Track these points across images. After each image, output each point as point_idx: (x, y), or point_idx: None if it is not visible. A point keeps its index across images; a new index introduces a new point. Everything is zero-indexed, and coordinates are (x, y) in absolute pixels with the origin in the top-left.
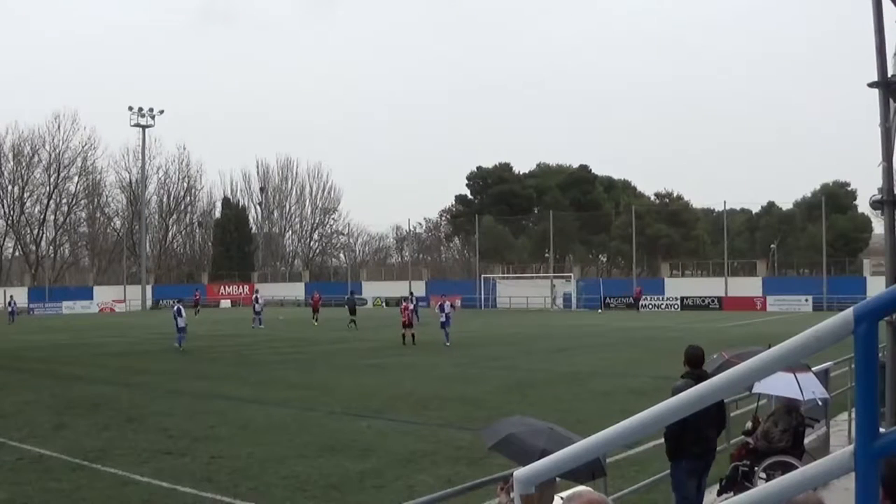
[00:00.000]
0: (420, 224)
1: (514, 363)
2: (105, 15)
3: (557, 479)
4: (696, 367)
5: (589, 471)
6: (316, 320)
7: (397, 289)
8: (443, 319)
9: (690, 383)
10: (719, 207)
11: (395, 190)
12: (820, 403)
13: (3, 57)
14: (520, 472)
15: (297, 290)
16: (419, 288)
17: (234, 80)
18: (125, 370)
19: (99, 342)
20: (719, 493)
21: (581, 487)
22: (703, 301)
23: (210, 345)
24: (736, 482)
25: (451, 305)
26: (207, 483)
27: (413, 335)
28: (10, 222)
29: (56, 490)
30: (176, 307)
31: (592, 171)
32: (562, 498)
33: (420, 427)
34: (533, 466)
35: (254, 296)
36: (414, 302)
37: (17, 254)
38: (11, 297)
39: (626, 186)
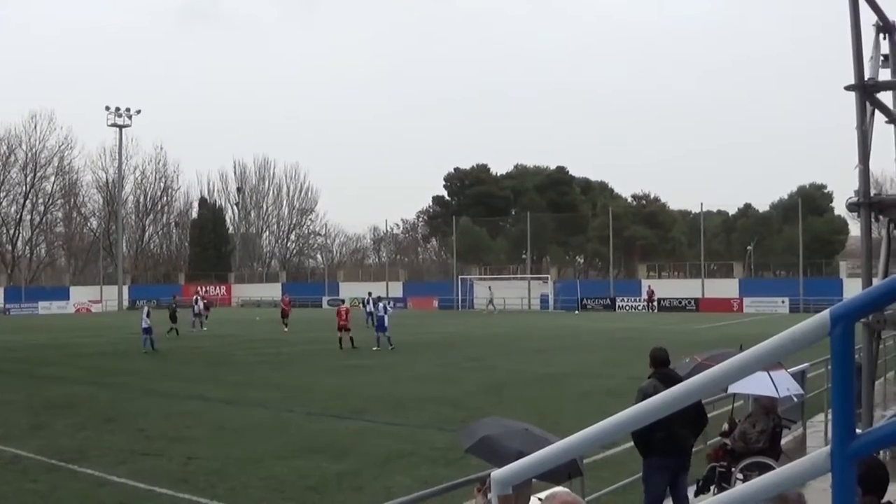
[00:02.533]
0: (397, 225)
1: (492, 364)
2: (81, 14)
3: (534, 479)
4: (661, 367)
5: (565, 472)
6: (286, 325)
7: (375, 290)
8: (379, 319)
9: (657, 383)
10: (696, 209)
11: (372, 191)
12: (795, 400)
13: None
14: (497, 474)
15: (274, 291)
16: (396, 289)
17: (212, 80)
18: (102, 370)
19: (75, 342)
20: (696, 494)
21: (556, 488)
22: (680, 302)
23: (186, 345)
24: (713, 483)
25: (387, 306)
26: (184, 484)
27: (351, 339)
28: None
29: (32, 491)
30: (146, 309)
31: (570, 172)
32: (539, 499)
33: (398, 428)
34: (510, 467)
35: (193, 297)
36: (386, 306)
37: None
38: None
39: (603, 188)
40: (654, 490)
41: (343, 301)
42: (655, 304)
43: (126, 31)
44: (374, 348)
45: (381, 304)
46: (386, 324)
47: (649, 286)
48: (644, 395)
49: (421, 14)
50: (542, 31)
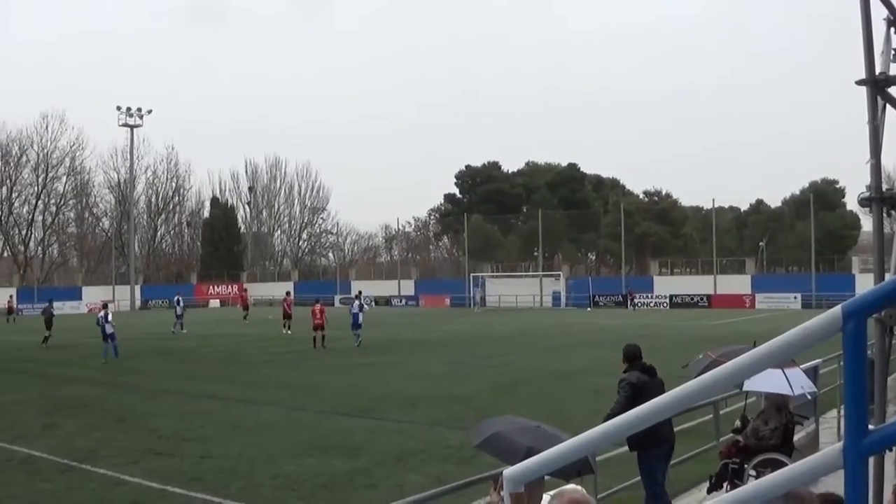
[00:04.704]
0: (409, 223)
1: (504, 361)
2: (92, 15)
3: (547, 477)
4: (635, 362)
5: (577, 469)
6: (288, 328)
7: (387, 288)
8: (353, 316)
9: (640, 374)
10: (708, 205)
11: (383, 189)
12: (809, 398)
13: None
14: (509, 471)
15: (286, 290)
16: (408, 287)
17: (223, 79)
18: (114, 370)
19: (88, 343)
20: (709, 491)
21: (565, 486)
22: (692, 299)
23: (198, 345)
24: (726, 480)
25: (363, 304)
26: (197, 483)
27: (323, 337)
28: None
29: (46, 491)
30: (102, 312)
31: (581, 169)
32: (550, 496)
33: (410, 426)
34: (522, 465)
35: (175, 297)
36: (363, 304)
37: (5, 254)
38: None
39: (614, 185)
40: (659, 480)
41: (318, 300)
42: (636, 303)
43: (136, 31)
44: (355, 345)
45: (356, 302)
46: (359, 321)
47: (629, 288)
48: (631, 385)
49: (432, 12)
50: (554, 27)
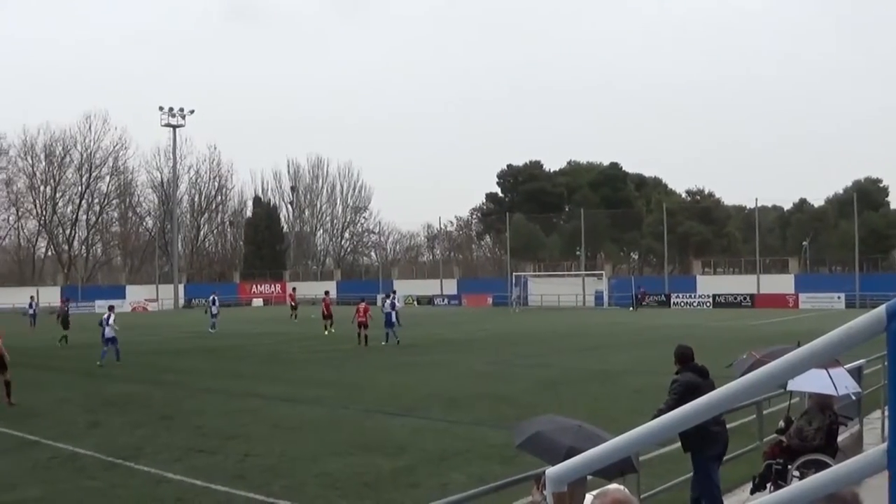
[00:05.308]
0: (451, 222)
1: (547, 361)
2: (135, 16)
3: (589, 476)
4: (687, 363)
5: (618, 468)
6: (327, 328)
7: (429, 287)
8: (386, 315)
9: (692, 376)
10: (751, 204)
11: (425, 188)
12: (854, 398)
13: (35, 58)
14: (551, 471)
15: (328, 289)
16: (450, 286)
17: (265, 80)
18: (158, 368)
19: (131, 341)
20: (752, 492)
21: (608, 486)
22: (735, 298)
23: (242, 343)
24: (769, 480)
25: (394, 302)
26: (240, 481)
27: (366, 336)
28: (42, 222)
29: (90, 488)
30: (106, 315)
31: (623, 168)
32: (593, 496)
33: (452, 425)
34: (564, 465)
35: (210, 297)
36: (394, 302)
37: (49, 253)
38: (31, 297)
39: (657, 184)
40: (716, 481)
41: (363, 299)
42: (642, 302)
43: (179, 32)
44: (382, 343)
45: (388, 301)
46: (393, 319)
47: (641, 287)
48: (682, 385)
49: (474, 10)
50: (596, 25)
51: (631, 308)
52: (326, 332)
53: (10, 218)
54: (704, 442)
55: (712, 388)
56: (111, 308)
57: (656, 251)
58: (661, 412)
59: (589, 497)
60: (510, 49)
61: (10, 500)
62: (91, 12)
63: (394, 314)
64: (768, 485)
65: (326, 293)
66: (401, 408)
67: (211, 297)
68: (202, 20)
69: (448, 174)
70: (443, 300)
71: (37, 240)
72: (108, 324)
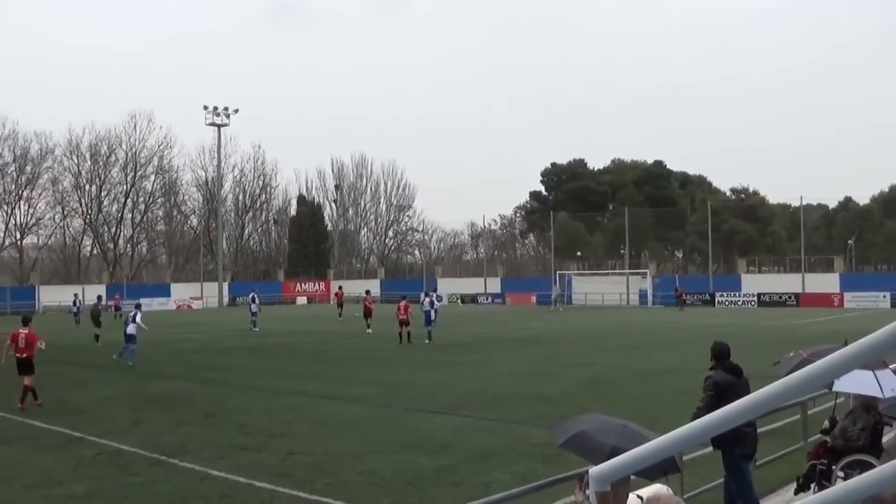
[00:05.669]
0: (495, 221)
1: (590, 360)
2: (179, 16)
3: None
4: (723, 360)
5: (661, 468)
6: (369, 326)
7: (473, 286)
8: (425, 313)
9: (724, 374)
10: (796, 203)
11: (469, 187)
12: None
13: (80, 59)
14: (595, 470)
15: (372, 287)
16: (494, 285)
17: (308, 79)
18: (202, 366)
19: (176, 339)
20: (797, 492)
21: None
22: (780, 297)
23: (286, 341)
24: (813, 481)
25: (434, 300)
26: (284, 478)
27: (409, 333)
28: (88, 220)
29: (134, 484)
30: (133, 312)
31: (667, 166)
32: (639, 496)
33: (495, 424)
34: (608, 464)
35: (250, 295)
36: (434, 300)
37: (95, 252)
38: (76, 295)
39: (701, 182)
40: (748, 480)
41: (404, 297)
42: (684, 300)
43: (223, 32)
44: (426, 341)
45: (427, 300)
46: (432, 318)
47: (678, 286)
48: (716, 384)
49: (516, 9)
50: (639, 23)
51: (679, 308)
52: (369, 331)
53: (56, 216)
54: (736, 441)
55: (746, 386)
56: (138, 306)
57: (701, 250)
58: (699, 411)
59: (633, 496)
60: (554, 46)
61: (57, 496)
62: (136, 13)
63: (432, 312)
64: (812, 485)
65: (367, 292)
66: (443, 406)
67: (251, 296)
68: (247, 20)
69: (492, 172)
70: (486, 299)
71: (82, 238)
72: (133, 321)
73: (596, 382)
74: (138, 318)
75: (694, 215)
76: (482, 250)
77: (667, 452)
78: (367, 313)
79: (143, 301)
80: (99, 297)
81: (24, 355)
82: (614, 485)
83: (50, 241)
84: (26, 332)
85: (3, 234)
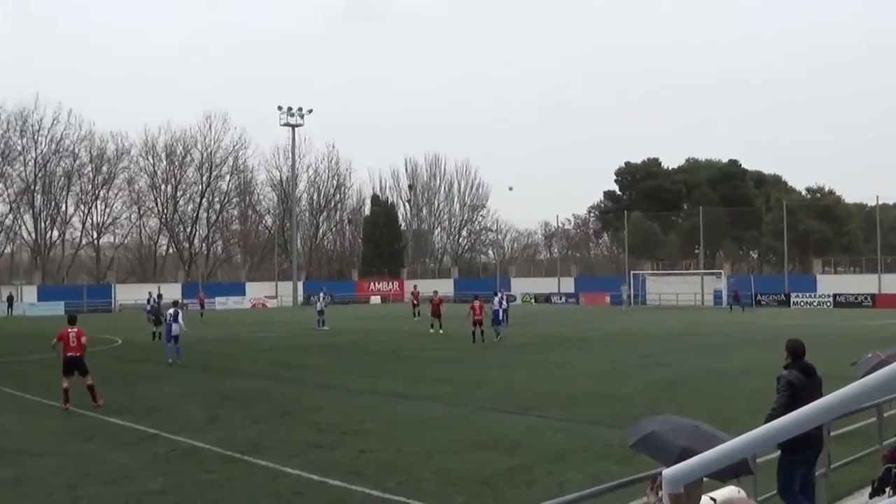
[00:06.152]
0: (568, 220)
1: (665, 360)
2: (254, 17)
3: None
4: (798, 359)
5: (733, 470)
6: (437, 327)
7: (546, 285)
8: (494, 312)
9: (798, 374)
10: (872, 202)
11: (543, 186)
12: None
13: (155, 60)
14: (668, 472)
15: (446, 287)
16: (568, 284)
17: (381, 79)
18: (277, 364)
19: (251, 337)
20: (871, 496)
21: (732, 493)
22: (856, 298)
23: (360, 340)
24: (888, 484)
25: (503, 300)
26: (356, 476)
27: (482, 332)
28: (164, 220)
29: (209, 481)
30: (172, 310)
31: (742, 165)
32: (712, 499)
33: (569, 424)
34: (682, 466)
35: (319, 294)
36: (505, 300)
37: (170, 251)
38: (150, 293)
39: (776, 181)
40: (793, 487)
41: (476, 296)
42: (740, 302)
43: (297, 33)
44: (496, 339)
45: (496, 298)
46: (500, 317)
47: (733, 287)
48: (790, 384)
49: (590, 8)
50: (712, 20)
51: (729, 309)
52: (432, 331)
53: (133, 216)
54: (802, 442)
55: (819, 386)
56: (177, 304)
57: (776, 250)
58: (774, 412)
59: (705, 499)
60: (628, 46)
61: (133, 492)
62: (211, 14)
63: (501, 312)
64: (887, 489)
65: (435, 293)
66: (516, 406)
67: (319, 294)
68: (321, 20)
69: (566, 172)
70: (560, 298)
71: (158, 237)
72: (175, 320)
73: (669, 383)
74: (180, 318)
75: (769, 215)
76: (556, 250)
77: (741, 454)
78: (436, 313)
79: (218, 300)
80: (160, 296)
81: (77, 354)
82: (687, 486)
83: (126, 241)
84: (75, 330)
85: (80, 234)
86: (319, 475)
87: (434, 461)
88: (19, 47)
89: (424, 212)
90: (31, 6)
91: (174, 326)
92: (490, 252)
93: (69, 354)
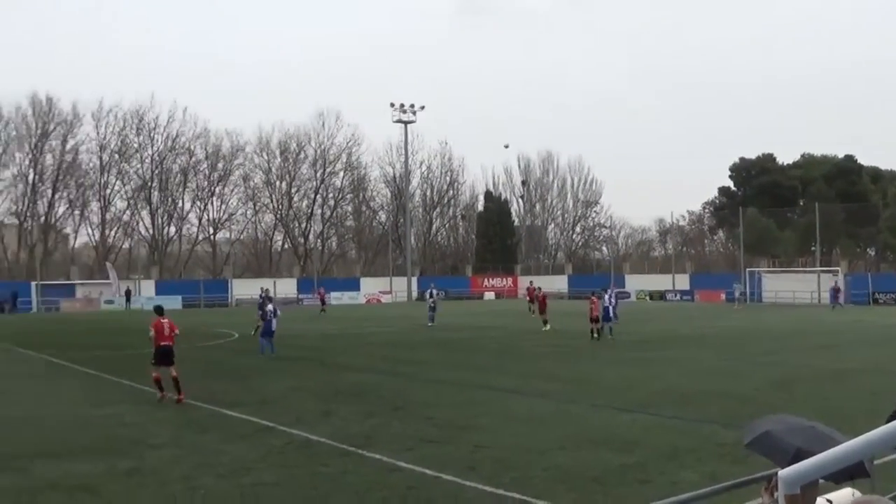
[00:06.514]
0: (683, 217)
1: (781, 359)
2: (365, 15)
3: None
4: None
5: (849, 472)
6: (545, 323)
7: (661, 282)
8: (604, 309)
9: None
10: None
11: (656, 182)
12: None
13: (269, 59)
14: (784, 473)
15: (559, 283)
16: (683, 282)
17: (493, 75)
18: (391, 359)
19: (365, 332)
20: None
21: (847, 495)
22: None
23: (473, 336)
24: None
25: (611, 297)
26: (470, 472)
27: (598, 330)
28: (279, 216)
29: (323, 474)
30: (271, 306)
31: (858, 161)
32: (828, 500)
33: (683, 422)
34: (798, 467)
35: (429, 290)
36: (614, 297)
37: (286, 246)
38: (261, 288)
39: (893, 177)
40: None
41: (594, 293)
42: (840, 300)
43: (408, 29)
44: (609, 337)
45: (605, 295)
46: (610, 314)
47: (836, 282)
48: None
49: (704, 3)
50: (829, 10)
51: (833, 307)
52: (545, 328)
53: (248, 212)
54: None
55: None
56: (271, 299)
57: (893, 247)
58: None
59: (821, 500)
60: (742, 41)
61: (248, 483)
62: (322, 13)
63: (610, 309)
64: None
65: (539, 289)
66: (630, 403)
67: (429, 291)
68: (434, 17)
69: (680, 168)
70: (675, 295)
71: (273, 233)
72: (275, 315)
73: (785, 382)
74: (279, 313)
75: (887, 211)
76: (670, 246)
77: (860, 456)
78: (542, 308)
79: (333, 295)
80: (266, 290)
81: (170, 344)
82: (803, 488)
83: (242, 236)
84: (167, 321)
85: (196, 229)
86: (433, 470)
87: (547, 458)
88: (134, 51)
89: (538, 208)
90: (145, 11)
91: (274, 322)
92: (604, 248)
93: (163, 344)
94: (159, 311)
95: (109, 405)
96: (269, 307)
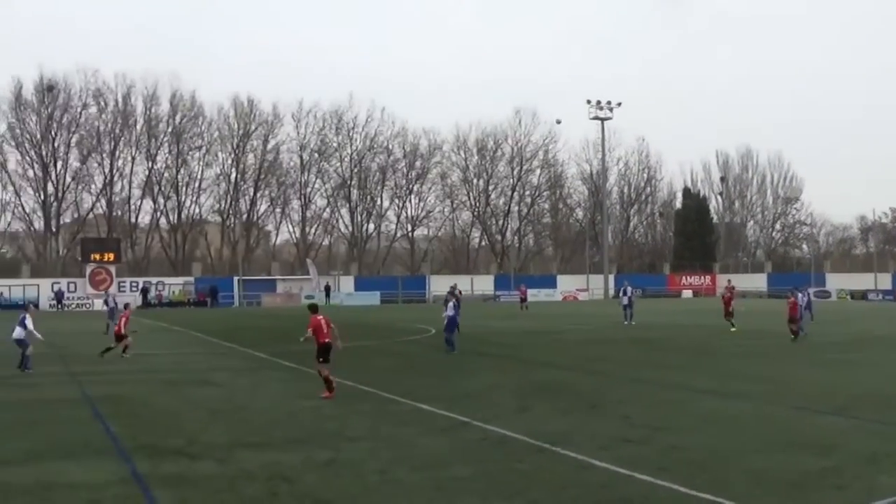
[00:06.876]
0: (885, 214)
1: None
2: (561, 12)
3: None
4: None
5: None
6: (732, 324)
7: (862, 281)
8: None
9: None
10: None
11: (857, 181)
12: None
13: (464, 62)
14: None
15: (759, 282)
16: (885, 281)
17: (692, 72)
18: (587, 357)
19: (562, 329)
20: None
21: None
22: None
23: (670, 335)
24: None
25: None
26: (664, 472)
27: (794, 331)
28: (476, 213)
29: (517, 470)
30: (453, 301)
31: None
32: None
33: (885, 427)
34: None
35: (621, 288)
36: (808, 296)
37: (483, 243)
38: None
39: None
40: None
41: (792, 292)
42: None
43: (605, 25)
44: (802, 334)
45: (799, 295)
46: (799, 313)
47: None
48: None
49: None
50: None
51: None
52: (733, 329)
53: (446, 209)
54: None
55: None
56: (452, 293)
57: None
58: None
59: None
60: None
61: (445, 476)
62: (517, 14)
63: (801, 308)
64: None
65: (729, 283)
66: (830, 406)
67: (622, 288)
68: (630, 16)
69: (882, 164)
70: (877, 295)
71: (470, 230)
72: (455, 310)
73: None
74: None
75: None
76: (872, 244)
77: None
78: (727, 310)
79: (530, 292)
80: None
81: (329, 341)
82: None
83: (440, 233)
84: (324, 318)
85: (395, 226)
86: (627, 469)
87: (744, 460)
88: (335, 54)
89: (737, 205)
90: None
91: (453, 318)
92: (804, 246)
93: (325, 341)
94: (314, 309)
95: (309, 398)
96: (452, 302)
